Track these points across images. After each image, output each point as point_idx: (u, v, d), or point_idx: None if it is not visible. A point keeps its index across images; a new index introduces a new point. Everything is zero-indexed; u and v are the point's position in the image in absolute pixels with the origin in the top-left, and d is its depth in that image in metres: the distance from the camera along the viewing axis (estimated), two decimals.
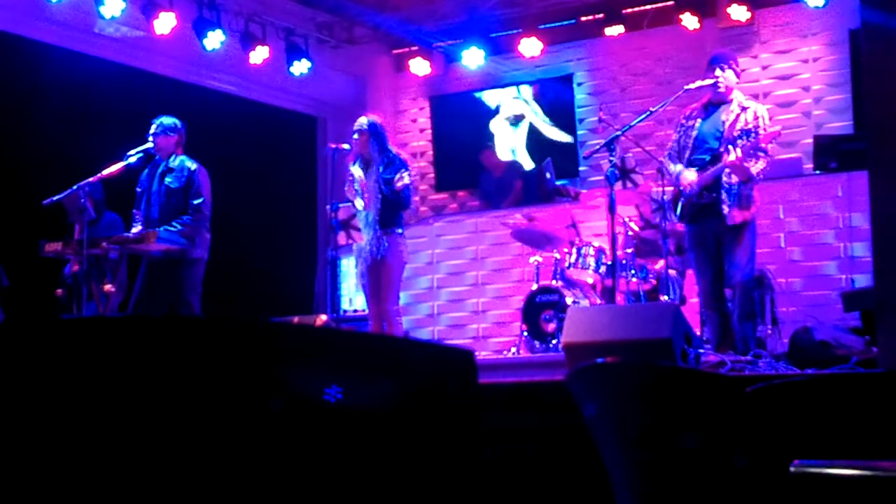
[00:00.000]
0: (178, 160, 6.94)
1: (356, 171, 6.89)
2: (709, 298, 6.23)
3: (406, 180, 6.83)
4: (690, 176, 6.16)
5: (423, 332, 9.92)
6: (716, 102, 6.24)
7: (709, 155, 6.14)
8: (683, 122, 6.35)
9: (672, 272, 7.53)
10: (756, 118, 6.12)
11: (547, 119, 10.72)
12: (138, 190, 7.05)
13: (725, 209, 6.05)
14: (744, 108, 6.17)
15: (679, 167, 6.27)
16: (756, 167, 6.03)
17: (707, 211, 6.13)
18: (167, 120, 7.00)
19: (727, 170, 6.03)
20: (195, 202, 6.83)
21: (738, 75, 6.35)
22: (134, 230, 6.83)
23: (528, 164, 10.76)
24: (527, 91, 10.86)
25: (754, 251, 6.18)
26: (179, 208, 6.83)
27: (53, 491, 1.63)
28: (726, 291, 6.30)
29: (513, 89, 10.93)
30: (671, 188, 6.61)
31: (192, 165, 6.92)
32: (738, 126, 6.09)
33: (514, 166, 10.71)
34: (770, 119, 6.26)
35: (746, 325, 6.04)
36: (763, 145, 6.05)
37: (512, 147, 10.90)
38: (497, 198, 10.68)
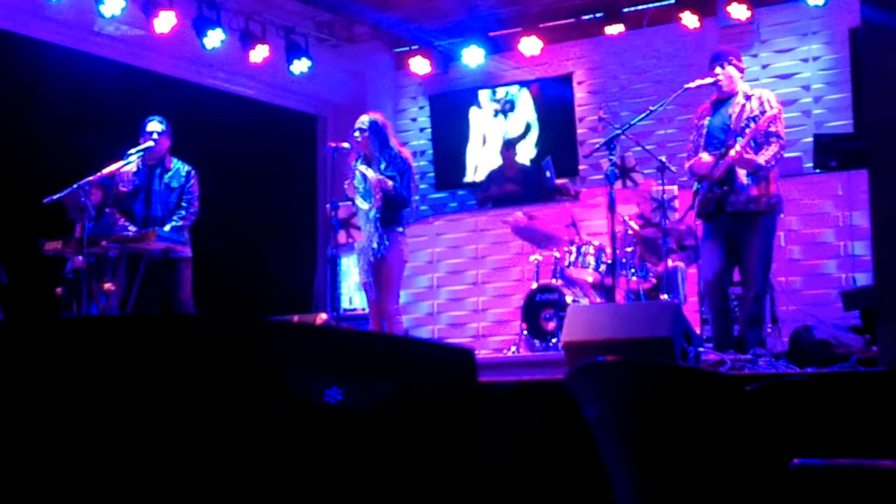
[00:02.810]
0: (173, 161, 7.07)
1: (368, 171, 6.83)
2: (711, 294, 6.12)
3: (395, 181, 6.77)
4: (704, 156, 6.09)
5: (422, 330, 9.93)
6: (723, 99, 6.22)
7: (719, 149, 6.10)
8: (696, 122, 6.33)
9: (679, 263, 7.52)
10: (761, 103, 6.07)
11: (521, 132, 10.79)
12: (128, 189, 7.02)
13: (734, 202, 6.00)
14: (748, 97, 6.13)
15: (690, 162, 6.23)
16: (765, 155, 5.94)
17: (718, 206, 6.07)
18: (163, 121, 7.06)
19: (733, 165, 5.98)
20: (192, 198, 6.97)
21: (741, 70, 6.30)
22: (131, 229, 6.83)
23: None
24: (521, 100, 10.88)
25: (769, 253, 6.04)
26: (179, 206, 6.94)
27: (53, 491, 1.63)
28: (732, 290, 6.26)
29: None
30: (672, 186, 6.62)
31: (189, 168, 7.11)
32: (745, 115, 6.06)
33: (524, 170, 10.69)
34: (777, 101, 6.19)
35: (751, 332, 5.94)
36: (772, 129, 6.00)
37: (504, 138, 10.91)
38: (494, 190, 10.66)
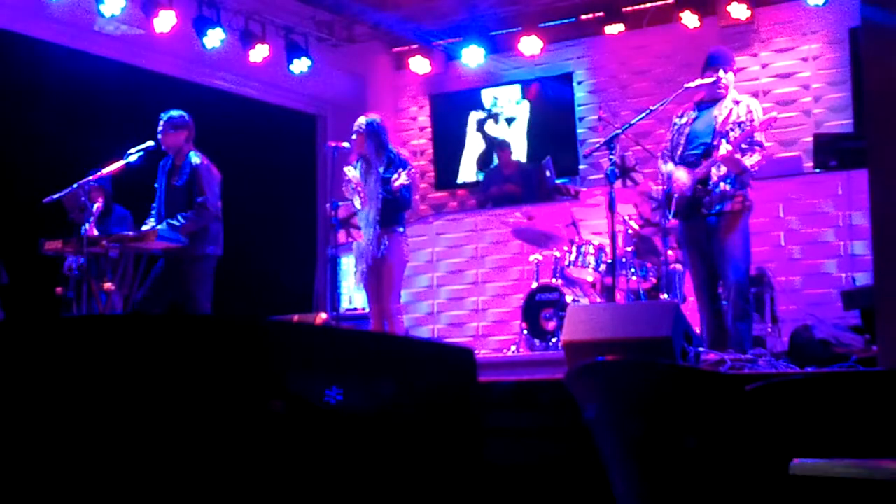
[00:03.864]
0: (184, 157, 6.91)
1: (350, 171, 6.88)
2: (701, 296, 6.17)
3: (403, 179, 6.78)
4: (683, 176, 6.10)
5: (422, 330, 9.93)
6: (709, 100, 6.22)
7: (701, 149, 6.09)
8: (676, 120, 6.33)
9: (678, 266, 7.52)
10: (749, 111, 6.08)
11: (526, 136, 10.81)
12: (155, 185, 7.05)
13: (710, 203, 6.01)
14: (736, 102, 6.14)
15: (670, 166, 6.22)
16: (750, 160, 5.97)
17: (696, 206, 6.07)
18: (174, 114, 6.95)
19: (719, 163, 5.98)
20: (198, 200, 6.80)
21: (734, 74, 6.35)
22: (145, 227, 6.84)
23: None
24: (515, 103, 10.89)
25: (747, 248, 6.08)
26: (184, 206, 6.80)
27: (54, 490, 1.63)
28: (720, 290, 6.27)
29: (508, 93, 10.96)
30: (661, 187, 6.60)
31: (196, 160, 6.87)
32: (731, 119, 6.07)
33: (522, 167, 10.70)
34: (764, 113, 6.22)
35: (741, 327, 5.94)
36: (757, 137, 6.01)
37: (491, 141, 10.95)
38: (494, 190, 10.67)
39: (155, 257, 6.93)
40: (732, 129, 6.02)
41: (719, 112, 6.11)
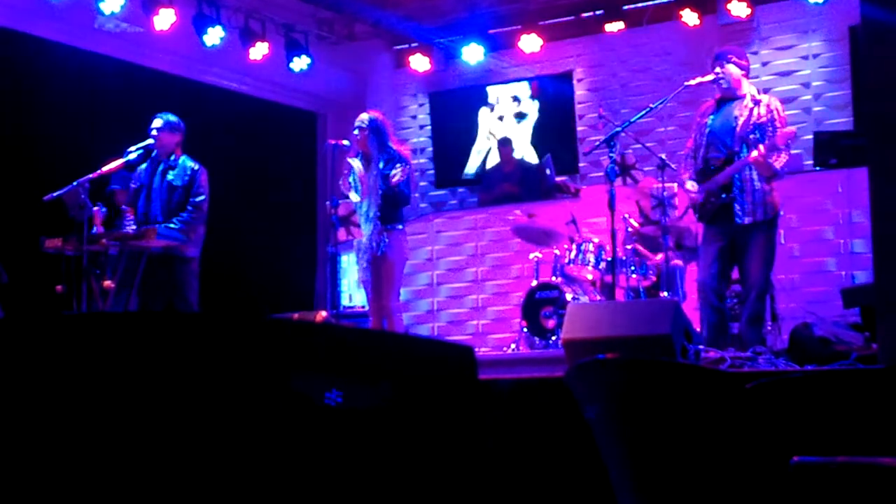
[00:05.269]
0: (179, 158, 6.94)
1: (355, 163, 6.90)
2: (707, 294, 6.13)
3: (399, 175, 6.81)
4: (693, 187, 6.09)
5: (422, 328, 9.94)
6: (727, 98, 6.17)
7: (723, 153, 6.04)
8: (699, 119, 6.27)
9: (678, 262, 7.51)
10: (770, 111, 6.02)
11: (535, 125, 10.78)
12: (134, 186, 7.02)
13: (738, 209, 5.98)
14: (756, 102, 6.07)
15: (685, 176, 6.21)
16: (778, 162, 5.94)
17: (723, 211, 6.02)
18: (171, 117, 6.98)
19: (746, 168, 5.94)
20: (197, 199, 6.82)
21: (743, 68, 6.20)
22: (129, 228, 6.81)
23: (531, 158, 10.80)
24: (525, 93, 10.89)
25: (772, 254, 6.04)
26: (180, 205, 6.82)
27: (54, 488, 1.63)
28: (732, 288, 6.25)
29: (512, 89, 10.95)
30: (672, 184, 6.59)
31: (195, 165, 6.94)
32: (752, 121, 6.01)
33: (522, 165, 10.71)
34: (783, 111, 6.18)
35: (753, 329, 5.94)
36: (779, 145, 5.98)
37: (503, 138, 10.94)
38: (495, 189, 10.68)
39: (138, 256, 6.90)
40: (753, 132, 5.97)
41: (740, 112, 6.04)
